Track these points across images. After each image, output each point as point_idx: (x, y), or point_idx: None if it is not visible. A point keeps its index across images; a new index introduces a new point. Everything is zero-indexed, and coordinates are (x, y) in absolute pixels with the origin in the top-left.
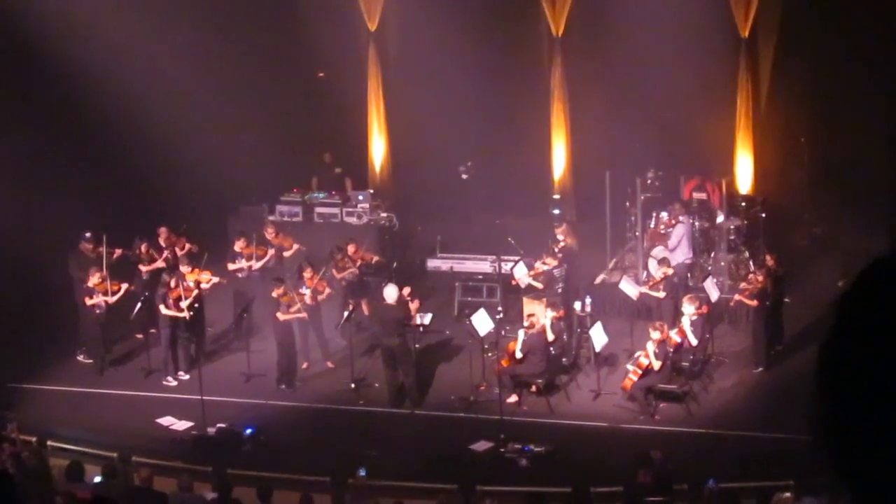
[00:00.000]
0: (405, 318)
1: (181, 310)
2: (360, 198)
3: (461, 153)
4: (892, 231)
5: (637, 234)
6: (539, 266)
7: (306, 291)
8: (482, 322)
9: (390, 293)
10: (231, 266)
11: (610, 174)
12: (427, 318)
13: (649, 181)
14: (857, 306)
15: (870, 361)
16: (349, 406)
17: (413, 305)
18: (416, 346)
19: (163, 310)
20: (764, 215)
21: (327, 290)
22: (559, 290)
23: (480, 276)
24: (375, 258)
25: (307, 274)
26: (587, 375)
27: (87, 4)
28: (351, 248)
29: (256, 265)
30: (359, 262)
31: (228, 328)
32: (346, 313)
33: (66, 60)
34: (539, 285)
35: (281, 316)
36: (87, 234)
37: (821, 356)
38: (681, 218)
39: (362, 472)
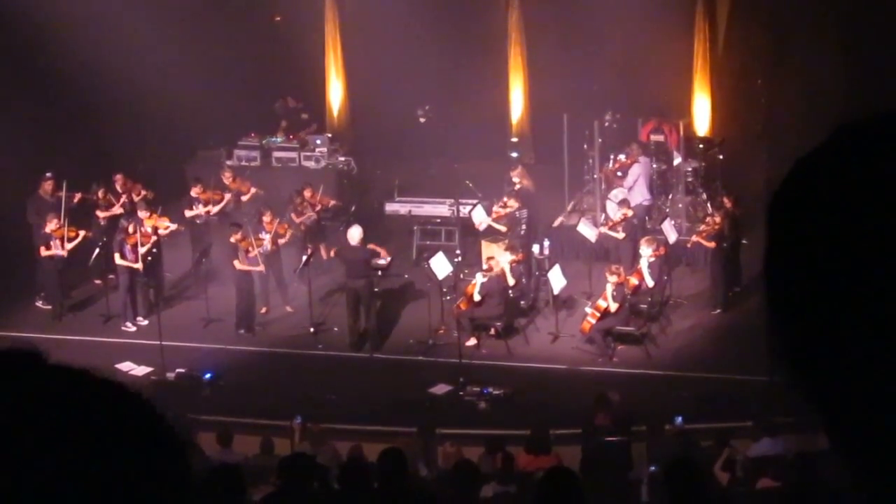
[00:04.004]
0: (370, 258)
1: (137, 258)
2: (318, 142)
3: (419, 96)
4: None
5: (595, 176)
6: (500, 209)
7: (266, 236)
8: (441, 265)
9: (354, 234)
10: (188, 213)
11: (568, 117)
12: (385, 261)
13: (607, 124)
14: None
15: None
16: (308, 350)
17: (382, 251)
18: (376, 290)
19: (117, 259)
20: (721, 157)
21: (289, 233)
22: (521, 233)
23: (438, 220)
24: (333, 202)
25: (266, 218)
26: (546, 318)
27: None
28: (308, 193)
29: (214, 210)
30: (318, 207)
31: (187, 273)
32: (304, 258)
33: (19, 7)
34: (502, 228)
35: (238, 265)
36: (48, 175)
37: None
38: (639, 158)
39: (298, 420)
